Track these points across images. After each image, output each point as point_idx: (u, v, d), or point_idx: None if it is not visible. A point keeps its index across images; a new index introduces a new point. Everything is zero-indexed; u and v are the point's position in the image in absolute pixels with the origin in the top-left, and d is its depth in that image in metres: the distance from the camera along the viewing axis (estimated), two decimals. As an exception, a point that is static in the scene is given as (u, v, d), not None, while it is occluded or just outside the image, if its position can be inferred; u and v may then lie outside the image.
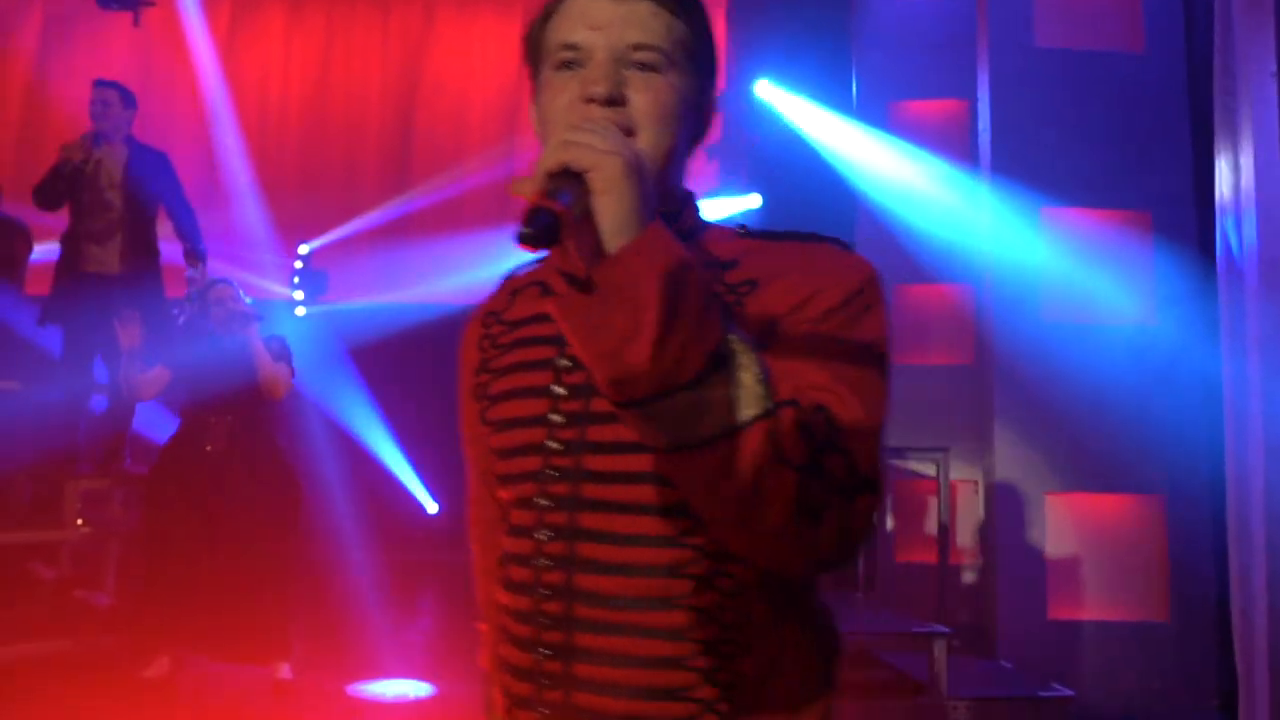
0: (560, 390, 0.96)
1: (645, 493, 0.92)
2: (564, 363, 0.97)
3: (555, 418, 0.96)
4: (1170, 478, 3.77)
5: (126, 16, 6.76)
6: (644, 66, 0.95)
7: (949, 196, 5.13)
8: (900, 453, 4.67)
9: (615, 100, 0.93)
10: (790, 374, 0.84)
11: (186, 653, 3.55)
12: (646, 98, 0.94)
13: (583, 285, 0.78)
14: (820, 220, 6.00)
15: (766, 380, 0.80)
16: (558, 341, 0.97)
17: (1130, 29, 4.10)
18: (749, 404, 0.78)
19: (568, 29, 0.96)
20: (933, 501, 4.83)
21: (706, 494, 0.83)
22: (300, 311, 6.96)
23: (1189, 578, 3.75)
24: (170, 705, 3.38)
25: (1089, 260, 3.91)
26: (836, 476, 0.82)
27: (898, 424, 4.94)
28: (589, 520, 0.95)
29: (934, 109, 5.57)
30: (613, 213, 0.77)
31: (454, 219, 7.87)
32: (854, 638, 3.28)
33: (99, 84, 4.60)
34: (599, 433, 0.94)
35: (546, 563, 0.96)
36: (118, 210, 4.45)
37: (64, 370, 4.54)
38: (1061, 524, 3.84)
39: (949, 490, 4.20)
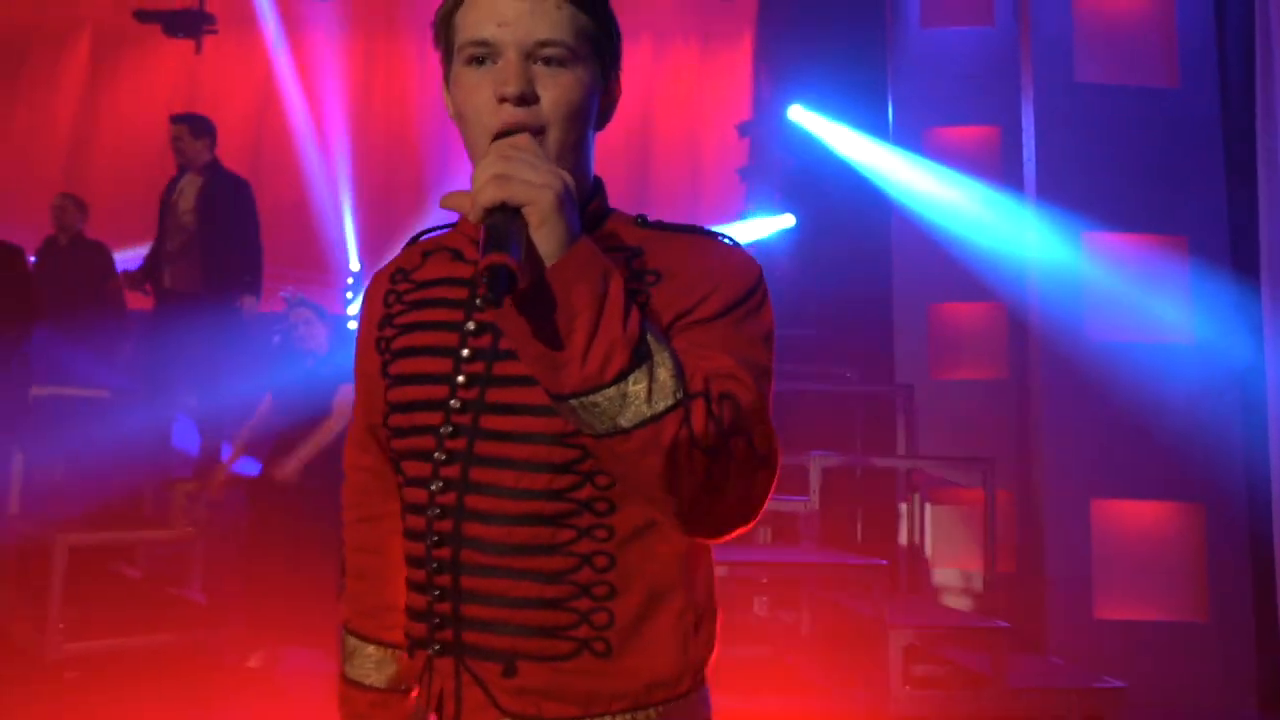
0: (465, 352, 1.03)
1: (535, 451, 0.99)
2: (470, 326, 1.04)
3: (459, 378, 1.03)
4: (1209, 487, 4.01)
5: (116, 16, 7.02)
6: (551, 62, 1.00)
7: (983, 219, 5.39)
8: (943, 463, 4.90)
9: (527, 99, 0.99)
10: (699, 358, 0.93)
11: (283, 645, 3.78)
12: (555, 95, 1.00)
13: (521, 297, 0.87)
14: (857, 241, 6.26)
15: (680, 374, 0.90)
16: (465, 305, 1.04)
17: (1165, 65, 4.37)
18: (664, 397, 0.88)
19: (477, 24, 1.01)
20: (973, 510, 5.06)
21: (627, 471, 0.93)
22: (353, 325, 7.18)
23: (1227, 581, 3.99)
24: (273, 693, 3.59)
25: (1129, 281, 4.16)
26: (738, 456, 0.92)
27: (937, 436, 5.18)
28: (480, 474, 1.01)
29: (967, 135, 5.84)
30: (547, 240, 0.87)
31: None
32: (920, 633, 3.50)
33: (173, 119, 4.81)
34: (497, 394, 1.01)
35: (437, 512, 1.03)
36: (190, 233, 4.67)
37: (147, 380, 4.77)
38: (1106, 529, 4.08)
39: (994, 498, 4.43)
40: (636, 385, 0.88)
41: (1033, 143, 4.38)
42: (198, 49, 6.83)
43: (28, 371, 4.24)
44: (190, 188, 4.69)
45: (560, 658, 1.01)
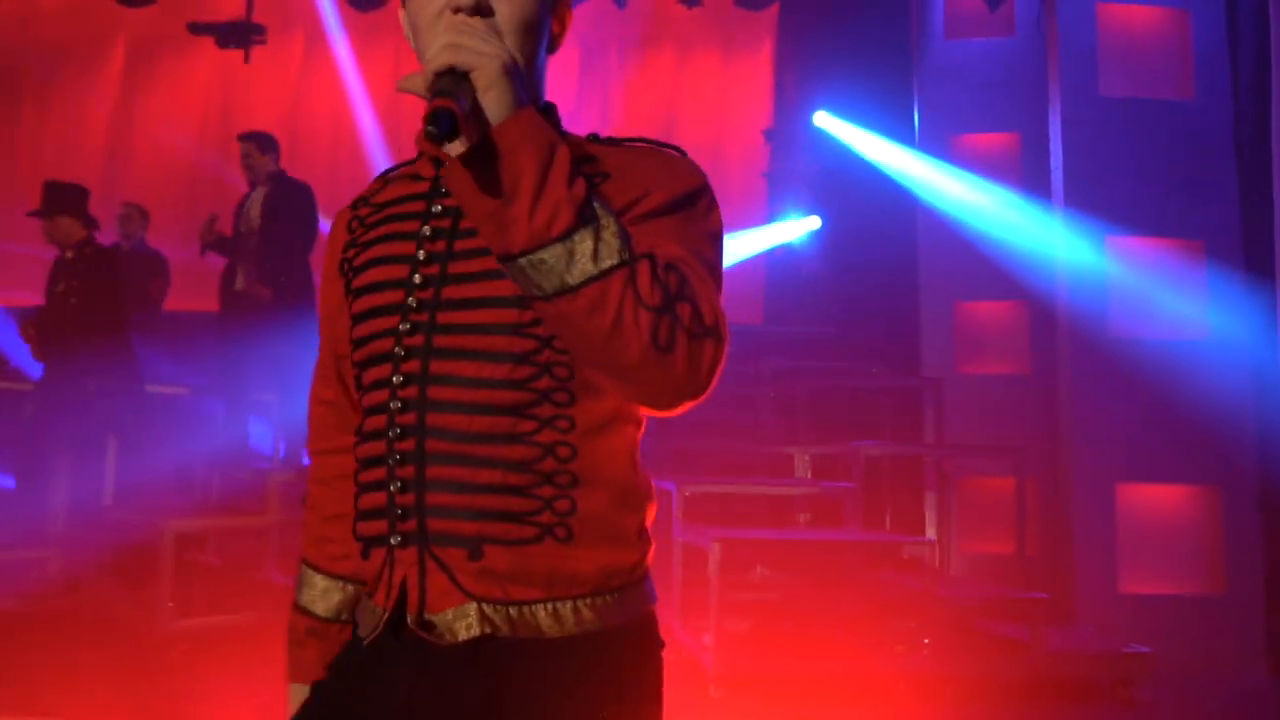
0: (420, 255, 1.06)
1: (495, 342, 1.02)
2: (426, 230, 1.07)
3: (415, 279, 1.06)
4: (1224, 471, 4.35)
5: (204, 41, 7.30)
6: None
7: (1006, 221, 5.71)
8: (978, 451, 5.21)
9: (482, 9, 1.03)
10: (649, 244, 0.96)
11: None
12: (509, 8, 1.04)
13: (468, 158, 0.91)
14: (882, 242, 6.57)
15: (625, 237, 0.92)
16: (422, 216, 1.07)
17: (1182, 80, 4.69)
18: (610, 255, 0.91)
19: None
20: (997, 496, 5.38)
21: (577, 334, 0.94)
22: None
23: (1241, 556, 4.33)
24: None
25: (1150, 282, 4.49)
26: (684, 320, 0.93)
27: (963, 427, 5.48)
28: (440, 366, 1.03)
29: (989, 141, 6.15)
30: (494, 103, 0.91)
31: None
32: (966, 603, 3.83)
33: (240, 138, 5.12)
34: (453, 291, 1.04)
35: (398, 405, 1.05)
36: (255, 239, 4.98)
37: (223, 378, 5.06)
38: (1130, 511, 4.42)
39: (1024, 484, 4.75)
40: (583, 244, 0.91)
41: (1060, 152, 4.70)
42: (246, 59, 7.11)
43: (138, 368, 4.52)
44: (258, 198, 4.99)
45: (524, 542, 1.03)
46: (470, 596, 1.03)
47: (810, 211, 7.34)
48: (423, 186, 1.11)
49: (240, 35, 6.83)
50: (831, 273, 7.06)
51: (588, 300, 0.91)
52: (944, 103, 6.25)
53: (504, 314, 1.02)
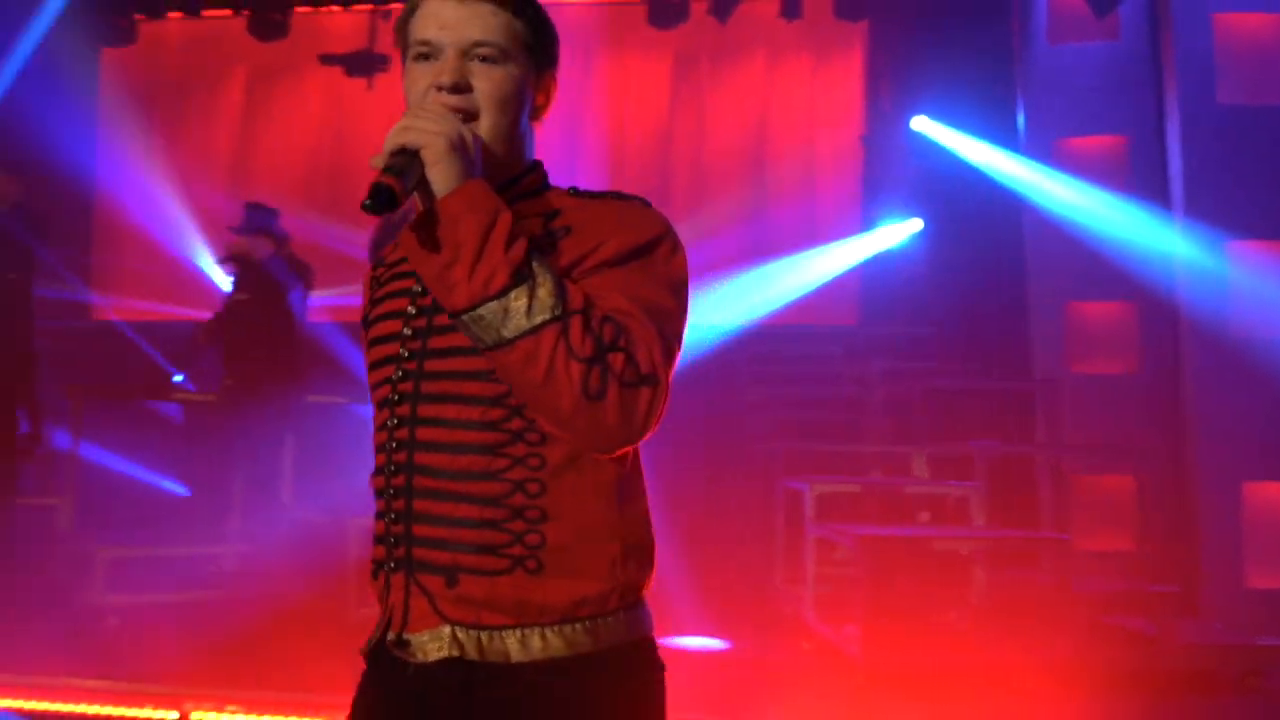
0: (411, 310, 1.19)
1: (472, 388, 1.13)
2: (417, 289, 1.20)
3: (406, 331, 1.19)
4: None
5: (319, 71, 7.76)
6: (485, 59, 1.17)
7: (1116, 224, 5.80)
8: (1094, 452, 5.34)
9: (460, 88, 1.15)
10: (599, 298, 1.09)
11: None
12: (487, 86, 1.16)
13: (419, 225, 1.05)
14: (987, 244, 6.68)
15: (561, 294, 1.04)
16: (415, 274, 1.19)
17: (1301, 83, 4.76)
18: (542, 311, 1.03)
19: (422, 28, 1.17)
20: (1115, 494, 5.49)
21: (516, 382, 1.07)
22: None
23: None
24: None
25: (1273, 285, 4.59)
26: (616, 369, 1.04)
27: (1077, 425, 5.59)
28: (426, 410, 1.15)
29: (1095, 144, 6.23)
30: (440, 177, 1.05)
31: None
32: (1098, 597, 4.00)
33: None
34: (437, 341, 1.16)
35: (394, 445, 1.17)
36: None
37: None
38: (1256, 508, 4.52)
39: (1144, 483, 4.88)
40: (517, 301, 1.04)
41: (1179, 160, 4.81)
42: (369, 86, 7.55)
43: (305, 374, 4.94)
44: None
45: (496, 573, 1.12)
46: (446, 620, 1.13)
47: (910, 214, 7.48)
48: None
49: (366, 65, 7.27)
50: (934, 274, 7.19)
51: (522, 352, 1.04)
52: (1048, 106, 6.34)
53: (477, 361, 1.11)
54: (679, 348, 1.16)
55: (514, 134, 1.20)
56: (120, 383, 5.98)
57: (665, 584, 5.08)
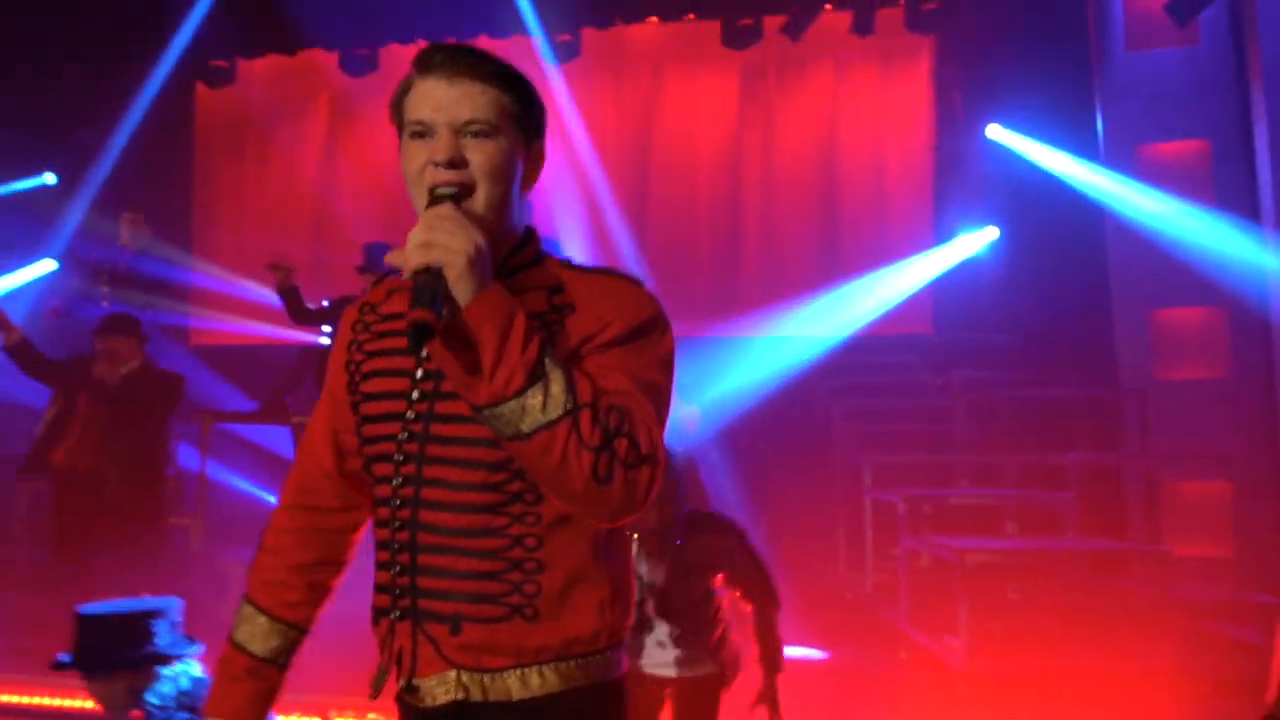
0: (419, 374, 1.27)
1: (475, 452, 1.23)
2: (424, 354, 1.25)
3: (414, 394, 1.27)
4: None
5: (390, 92, 8.05)
6: (477, 135, 1.24)
7: (1200, 230, 5.78)
8: (1189, 460, 5.32)
9: (455, 164, 1.23)
10: (600, 378, 1.19)
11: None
12: (480, 159, 1.24)
13: (444, 333, 1.13)
14: (1068, 252, 6.68)
15: (571, 388, 1.13)
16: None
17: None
18: (556, 407, 1.13)
19: (417, 108, 1.25)
20: (1208, 501, 5.47)
21: (531, 468, 1.17)
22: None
23: None
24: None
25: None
26: (620, 454, 1.14)
27: (1166, 433, 5.59)
28: (432, 471, 1.25)
29: (1177, 150, 6.21)
30: (462, 292, 1.13)
31: (687, 264, 8.77)
32: (1199, 608, 4.02)
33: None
34: (444, 407, 1.25)
35: (398, 502, 1.26)
36: None
37: None
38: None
39: (1240, 490, 4.87)
40: (533, 399, 1.12)
41: (1267, 164, 4.81)
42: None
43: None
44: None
45: (496, 620, 1.22)
46: (452, 664, 1.24)
47: (985, 223, 7.49)
48: None
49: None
50: (1012, 282, 7.19)
51: (538, 444, 1.13)
52: (1128, 113, 6.35)
53: (481, 429, 1.19)
54: (667, 419, 1.27)
55: (508, 203, 1.28)
56: (238, 407, 6.29)
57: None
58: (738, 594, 2.70)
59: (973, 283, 7.52)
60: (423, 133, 1.24)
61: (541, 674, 1.24)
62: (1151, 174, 6.16)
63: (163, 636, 2.10)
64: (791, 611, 5.00)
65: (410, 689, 1.26)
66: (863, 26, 7.25)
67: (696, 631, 2.63)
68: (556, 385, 1.13)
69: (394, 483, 1.27)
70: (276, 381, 6.11)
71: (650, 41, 8.67)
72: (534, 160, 1.33)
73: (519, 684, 1.24)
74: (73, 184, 7.70)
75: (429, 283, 1.12)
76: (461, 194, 1.23)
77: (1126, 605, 4.20)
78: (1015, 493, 5.22)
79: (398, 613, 1.26)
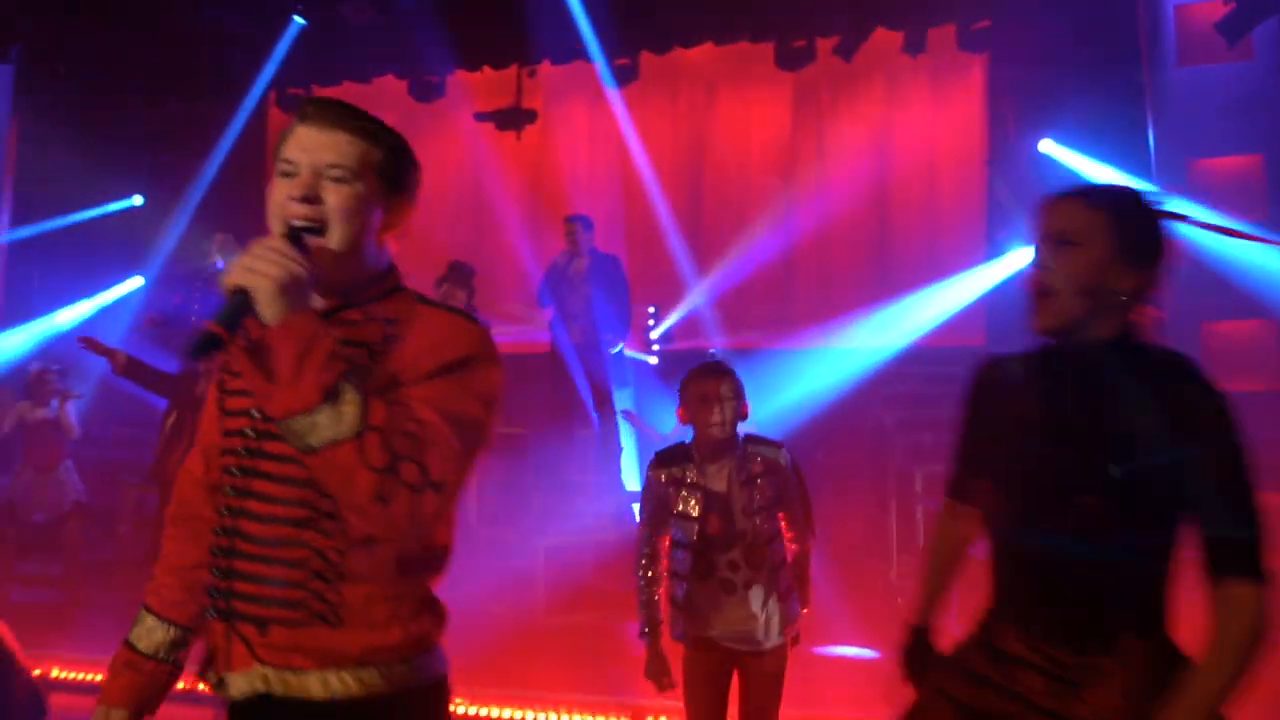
0: (255, 412, 1.40)
1: (291, 470, 1.34)
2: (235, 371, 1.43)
3: (255, 414, 1.40)
4: None
5: (456, 116, 8.45)
6: (337, 179, 1.36)
7: (1253, 245, 5.83)
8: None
9: (309, 199, 1.35)
10: (412, 407, 1.28)
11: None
12: (335, 201, 1.36)
13: (250, 349, 1.30)
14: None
15: (364, 412, 1.22)
16: None
17: None
18: (346, 428, 1.22)
19: (288, 149, 1.38)
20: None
21: (323, 482, 1.27)
22: (654, 361, 8.28)
23: None
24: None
25: None
26: (405, 478, 1.23)
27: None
28: (256, 485, 1.38)
29: (1230, 165, 6.28)
30: (269, 313, 1.24)
31: (743, 279, 8.95)
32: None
33: (568, 220, 6.12)
34: (272, 434, 1.36)
35: (225, 510, 1.40)
36: (583, 301, 5.94)
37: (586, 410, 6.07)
38: None
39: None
40: (323, 417, 1.22)
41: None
42: (518, 139, 8.19)
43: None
44: (581, 269, 5.96)
45: (301, 624, 1.33)
46: (260, 662, 1.34)
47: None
48: None
49: (516, 120, 7.91)
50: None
51: (324, 460, 1.23)
52: (1180, 128, 6.42)
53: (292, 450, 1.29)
54: (483, 449, 1.37)
55: (361, 243, 1.39)
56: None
57: (819, 598, 5.40)
58: (781, 521, 2.76)
59: (1025, 296, 7.59)
60: (289, 172, 1.37)
61: (342, 678, 1.33)
62: (1204, 189, 6.23)
63: None
64: (845, 614, 5.18)
65: (220, 684, 1.38)
66: (915, 46, 7.40)
67: (770, 579, 2.65)
68: (349, 407, 1.23)
69: (226, 492, 1.41)
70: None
71: (704, 63, 8.92)
72: (396, 210, 1.44)
73: (320, 685, 1.33)
74: (163, 206, 8.22)
75: (237, 302, 1.25)
76: (315, 230, 1.35)
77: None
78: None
79: (214, 611, 1.39)
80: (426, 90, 7.95)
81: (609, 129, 8.55)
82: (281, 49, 6.80)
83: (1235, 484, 1.51)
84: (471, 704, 3.74)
